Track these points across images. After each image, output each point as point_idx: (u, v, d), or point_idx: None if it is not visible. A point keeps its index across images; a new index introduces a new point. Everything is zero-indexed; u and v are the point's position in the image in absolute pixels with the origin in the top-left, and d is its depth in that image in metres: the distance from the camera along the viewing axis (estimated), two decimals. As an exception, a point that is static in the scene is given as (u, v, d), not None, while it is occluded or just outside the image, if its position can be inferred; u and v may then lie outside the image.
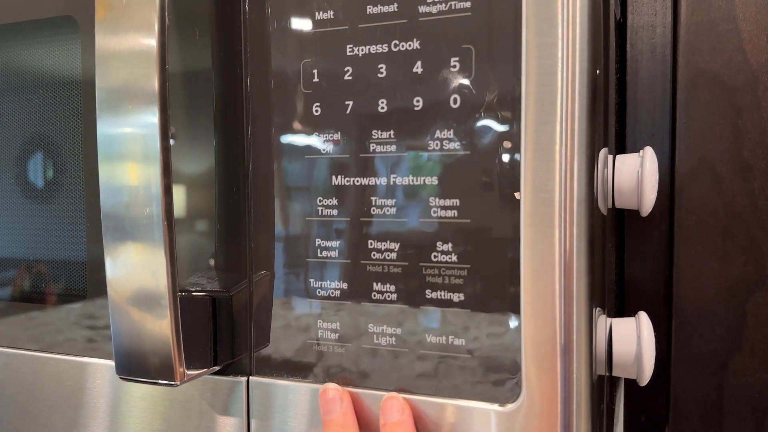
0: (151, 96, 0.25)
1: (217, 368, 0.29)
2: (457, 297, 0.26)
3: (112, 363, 0.34)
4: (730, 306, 0.34)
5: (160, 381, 0.27)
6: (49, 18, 0.34)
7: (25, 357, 0.37)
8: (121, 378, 0.27)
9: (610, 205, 0.31)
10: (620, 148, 0.38)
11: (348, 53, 0.27)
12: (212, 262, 0.30)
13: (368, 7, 0.27)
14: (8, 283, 0.39)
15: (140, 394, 0.33)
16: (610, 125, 0.32)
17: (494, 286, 0.25)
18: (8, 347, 0.38)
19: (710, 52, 0.35)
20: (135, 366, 0.27)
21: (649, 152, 0.31)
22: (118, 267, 0.27)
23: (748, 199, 0.35)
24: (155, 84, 0.25)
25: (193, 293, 0.29)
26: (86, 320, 0.37)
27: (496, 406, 0.25)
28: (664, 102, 0.37)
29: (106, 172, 0.27)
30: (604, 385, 0.29)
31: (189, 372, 0.27)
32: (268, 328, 0.30)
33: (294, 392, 0.29)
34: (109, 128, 0.27)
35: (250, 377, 0.29)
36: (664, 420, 0.36)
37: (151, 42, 0.25)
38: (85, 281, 0.36)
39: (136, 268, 0.26)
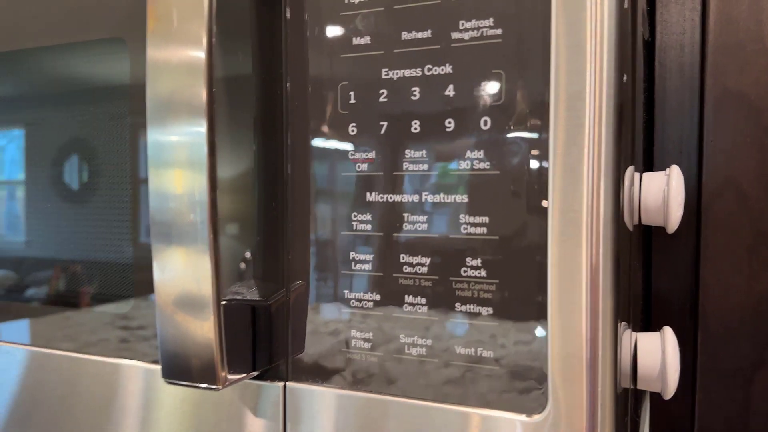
0: (199, 107, 0.27)
1: (255, 373, 0.31)
2: (485, 310, 0.27)
3: (145, 365, 0.36)
4: (756, 322, 0.35)
5: (202, 385, 0.28)
6: (101, 39, 0.36)
7: (60, 357, 0.39)
8: (166, 381, 0.29)
9: (636, 222, 0.32)
10: (648, 164, 0.39)
11: (383, 76, 0.29)
12: (243, 265, 0.32)
13: (403, 33, 0.28)
14: (46, 284, 0.42)
15: (174, 396, 0.34)
16: (637, 144, 0.33)
17: (522, 301, 0.26)
18: (44, 347, 0.40)
19: (738, 72, 0.36)
20: (180, 370, 0.29)
21: (675, 171, 0.32)
22: (165, 273, 0.28)
23: (775, 217, 0.35)
24: (203, 95, 0.27)
25: (234, 301, 0.31)
26: (120, 321, 0.39)
27: (523, 417, 0.26)
28: (692, 120, 0.38)
29: (155, 180, 0.28)
30: (628, 398, 0.29)
31: (230, 377, 0.29)
32: (304, 335, 0.31)
33: (328, 398, 0.30)
34: (158, 137, 0.28)
35: (287, 383, 0.31)
36: (689, 422, 0.36)
37: (200, 55, 0.27)
38: (122, 282, 0.39)
39: (182, 275, 0.28)
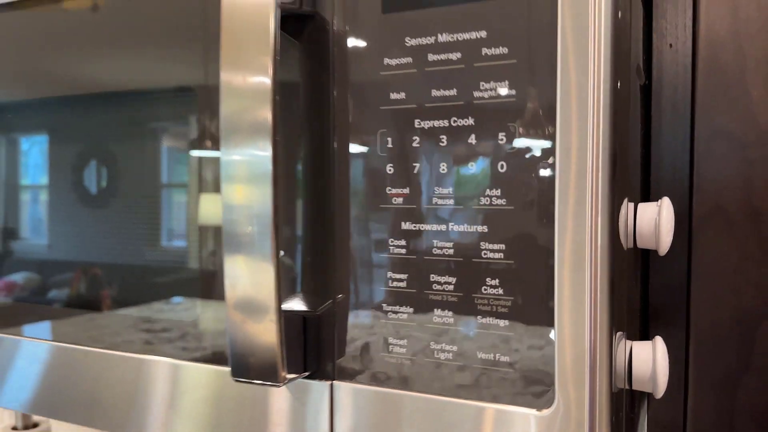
0: (266, 127, 0.32)
1: (306, 374, 0.37)
2: (503, 322, 0.32)
3: (172, 361, 0.42)
4: (741, 333, 0.40)
5: (266, 382, 0.34)
6: (174, 87, 0.42)
7: (89, 353, 0.46)
8: (234, 380, 0.35)
9: (631, 245, 0.37)
10: (645, 190, 0.44)
11: (416, 126, 0.34)
12: (294, 277, 0.38)
13: (433, 90, 0.34)
14: (69, 286, 0.48)
15: (239, 392, 0.40)
16: (634, 179, 0.38)
17: (533, 315, 0.32)
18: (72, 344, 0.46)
19: (725, 112, 0.41)
20: (247, 369, 0.34)
21: (665, 202, 0.37)
22: (235, 282, 0.34)
23: (757, 241, 0.40)
24: (269, 116, 0.32)
25: (289, 310, 0.36)
26: (143, 324, 0.44)
27: (534, 411, 0.31)
28: (684, 153, 0.43)
29: (227, 193, 0.34)
30: (623, 397, 0.35)
31: (288, 376, 0.35)
32: (346, 341, 0.37)
33: (368, 395, 0.35)
34: (229, 154, 0.34)
35: (333, 381, 0.37)
36: (681, 426, 0.41)
37: (266, 81, 0.32)
38: (143, 285, 0.44)
39: (249, 284, 0.34)
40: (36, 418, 1.08)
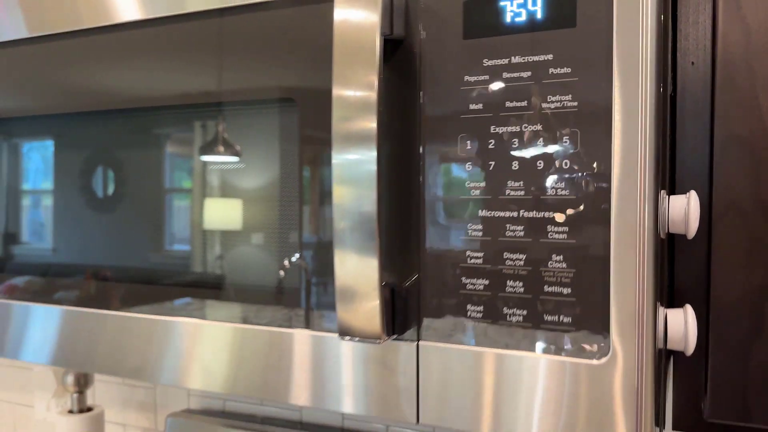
0: (371, 134, 0.40)
1: (395, 336, 0.44)
2: (566, 290, 0.40)
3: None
4: (753, 307, 0.47)
5: (367, 340, 0.41)
6: (273, 99, 0.49)
7: (115, 317, 0.53)
8: (340, 338, 0.42)
9: (666, 230, 0.45)
10: (672, 186, 0.52)
11: (491, 131, 0.42)
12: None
13: (506, 102, 0.41)
14: (82, 287, 0.55)
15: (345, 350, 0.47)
16: (667, 173, 0.46)
17: (592, 285, 0.39)
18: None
19: (739, 120, 0.49)
20: (352, 330, 0.42)
21: (693, 195, 0.44)
22: (344, 264, 0.41)
23: (766, 229, 0.48)
24: (375, 125, 0.40)
25: (385, 284, 0.44)
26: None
27: (594, 361, 0.39)
28: (704, 155, 0.50)
29: (337, 191, 0.41)
30: (662, 355, 0.42)
31: (385, 337, 0.42)
32: (429, 307, 0.44)
33: (449, 352, 0.43)
34: (340, 158, 0.41)
35: (419, 342, 0.44)
36: (704, 387, 0.49)
37: (373, 95, 0.40)
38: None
39: (356, 266, 0.41)
40: (89, 402, 1.14)
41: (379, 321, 0.41)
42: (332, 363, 0.47)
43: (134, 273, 0.56)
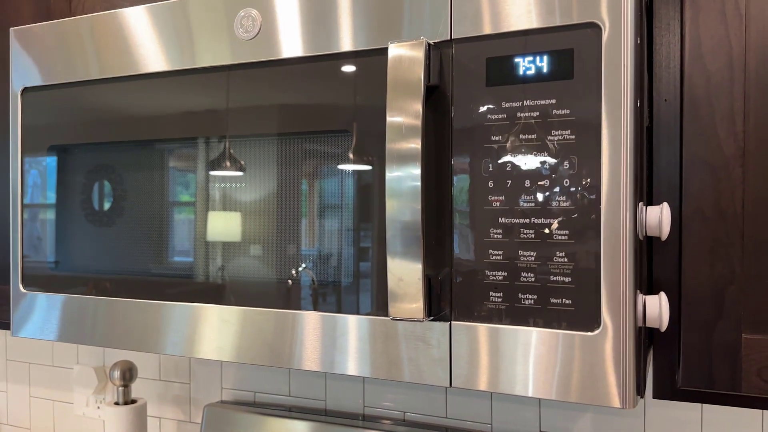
0: (417, 155, 0.52)
1: (432, 317, 0.56)
2: (567, 279, 0.52)
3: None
4: (715, 293, 0.59)
5: (413, 320, 0.53)
6: (330, 130, 0.61)
7: (139, 304, 0.64)
8: (391, 318, 0.54)
9: (644, 233, 0.57)
10: (649, 198, 0.64)
11: (508, 157, 0.54)
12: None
13: (520, 135, 0.53)
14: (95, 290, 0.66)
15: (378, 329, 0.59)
16: (644, 190, 0.58)
17: (587, 275, 0.51)
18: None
19: (702, 146, 0.61)
20: (403, 311, 0.53)
21: (665, 206, 0.56)
22: (396, 262, 0.53)
23: (724, 231, 0.60)
24: (419, 147, 0.52)
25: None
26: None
27: (588, 333, 0.51)
28: (675, 173, 0.63)
29: (389, 205, 0.53)
30: (642, 332, 0.54)
31: (423, 318, 0.54)
32: (460, 294, 0.56)
33: (476, 330, 0.54)
34: (392, 174, 0.53)
35: (452, 322, 0.56)
36: (678, 361, 0.61)
37: (418, 122, 0.52)
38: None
39: (404, 262, 0.53)
40: (134, 395, 1.24)
41: (422, 305, 0.53)
42: (386, 341, 0.59)
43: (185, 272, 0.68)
